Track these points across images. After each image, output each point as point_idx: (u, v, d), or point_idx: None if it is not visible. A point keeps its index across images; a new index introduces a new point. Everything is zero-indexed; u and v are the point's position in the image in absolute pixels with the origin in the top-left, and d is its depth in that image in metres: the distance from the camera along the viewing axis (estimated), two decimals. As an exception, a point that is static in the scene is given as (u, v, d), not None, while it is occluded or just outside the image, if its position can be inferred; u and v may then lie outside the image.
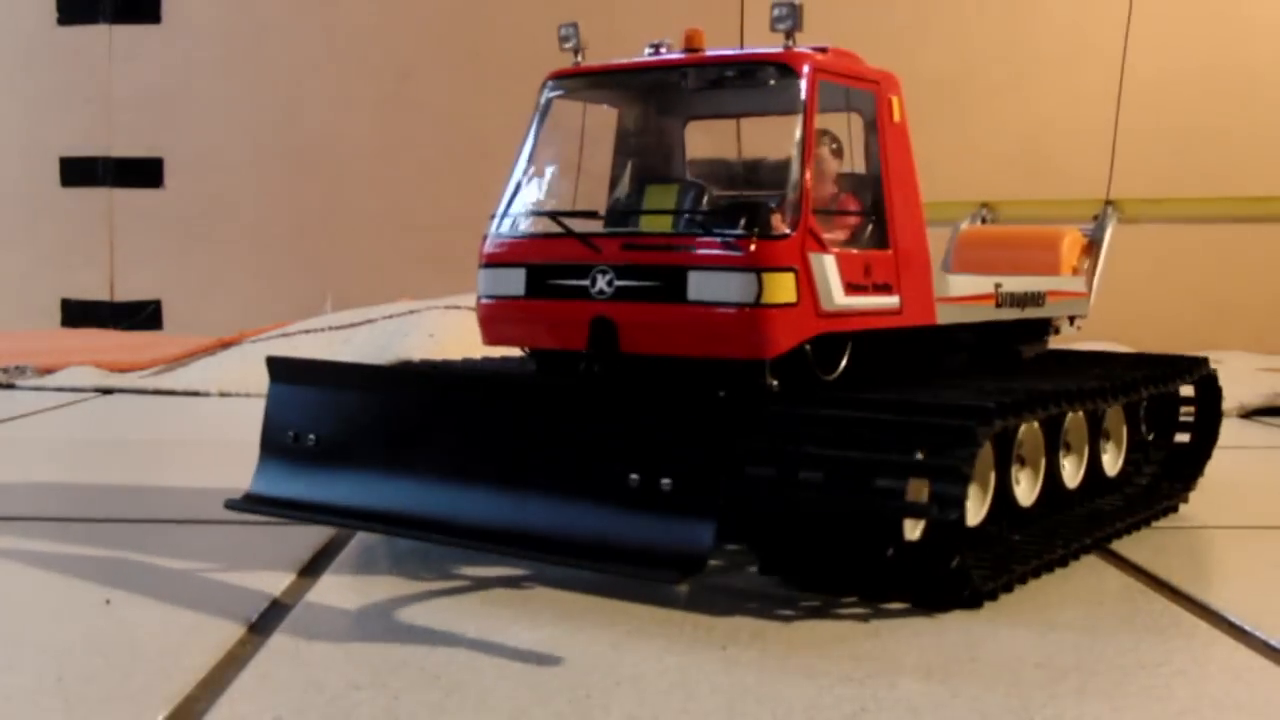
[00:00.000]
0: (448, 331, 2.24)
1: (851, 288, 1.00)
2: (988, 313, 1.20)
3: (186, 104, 3.21)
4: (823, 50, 1.05)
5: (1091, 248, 1.48)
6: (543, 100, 1.14)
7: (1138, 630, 0.91)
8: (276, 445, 1.04)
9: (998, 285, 1.21)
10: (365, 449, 0.99)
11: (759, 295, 0.93)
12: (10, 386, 2.28)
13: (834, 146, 1.11)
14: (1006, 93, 3.14)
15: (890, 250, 1.05)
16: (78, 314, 3.27)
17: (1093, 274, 1.46)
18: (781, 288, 0.94)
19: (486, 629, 0.87)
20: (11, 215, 3.28)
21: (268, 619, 0.89)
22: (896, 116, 1.08)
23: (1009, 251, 1.47)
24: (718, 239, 0.96)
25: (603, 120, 1.17)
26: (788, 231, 0.95)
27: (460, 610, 0.92)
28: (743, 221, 0.96)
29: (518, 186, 1.12)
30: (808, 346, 0.98)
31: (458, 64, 3.15)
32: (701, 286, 0.95)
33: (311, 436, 1.02)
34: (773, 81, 1.01)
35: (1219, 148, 2.88)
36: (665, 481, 0.84)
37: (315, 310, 2.83)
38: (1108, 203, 1.52)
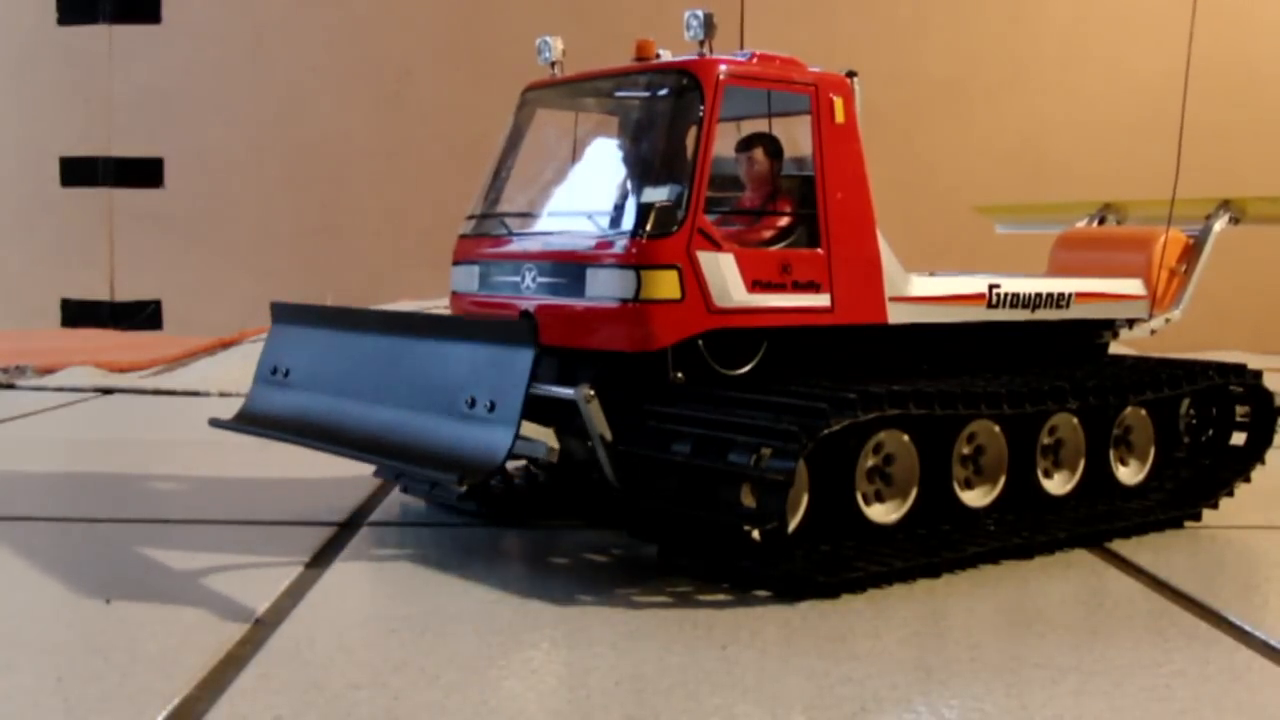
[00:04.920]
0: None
1: (759, 285, 1.03)
2: (974, 313, 1.19)
3: (186, 104, 3.21)
4: (747, 57, 1.07)
5: (1194, 249, 1.43)
6: (517, 109, 1.21)
7: (1138, 630, 0.91)
8: (262, 377, 1.16)
9: (992, 285, 1.20)
10: (303, 377, 1.13)
11: (638, 291, 0.98)
12: (10, 386, 2.28)
13: (772, 148, 1.13)
14: (1006, 93, 3.14)
15: (821, 249, 1.06)
16: (78, 314, 3.27)
17: (1188, 276, 1.42)
18: (663, 284, 0.99)
19: (486, 629, 0.88)
20: (11, 215, 3.28)
21: (268, 619, 0.89)
22: (840, 118, 1.09)
23: (1102, 253, 1.45)
24: (611, 238, 1.01)
25: (583, 127, 1.20)
26: (672, 230, 0.99)
27: (460, 610, 0.92)
28: (632, 221, 1.00)
29: (487, 189, 1.19)
30: (700, 341, 1.02)
31: (458, 64, 3.15)
32: (594, 283, 1.02)
33: (285, 370, 1.14)
34: (682, 88, 1.04)
35: (1218, 148, 2.88)
36: (486, 403, 0.92)
37: (315, 310, 2.83)
38: (1224, 202, 1.48)
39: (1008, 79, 3.14)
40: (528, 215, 1.16)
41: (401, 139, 3.18)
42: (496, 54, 3.04)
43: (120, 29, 3.21)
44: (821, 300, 1.07)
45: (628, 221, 1.01)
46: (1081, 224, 1.62)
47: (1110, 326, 1.36)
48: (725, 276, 1.01)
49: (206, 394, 2.23)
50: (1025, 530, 1.12)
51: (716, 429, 0.96)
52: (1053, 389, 1.12)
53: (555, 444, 1.06)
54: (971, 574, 1.05)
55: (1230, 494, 1.29)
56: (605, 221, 1.04)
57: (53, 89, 3.25)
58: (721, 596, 0.97)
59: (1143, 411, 1.26)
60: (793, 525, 1.00)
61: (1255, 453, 1.32)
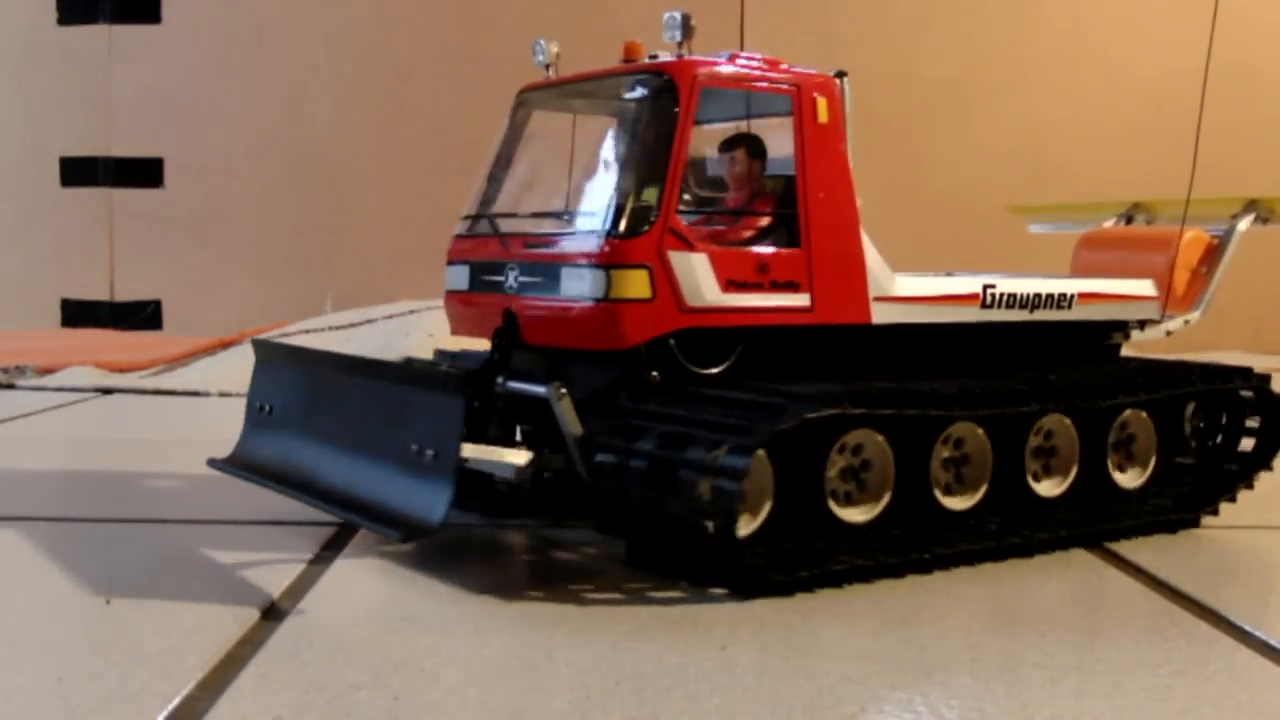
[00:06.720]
0: (447, 331, 2.24)
1: (733, 285, 1.03)
2: (968, 314, 1.18)
3: (186, 104, 3.21)
4: (728, 58, 1.08)
5: (1218, 249, 1.41)
6: (512, 111, 1.22)
7: (1138, 630, 0.91)
8: (251, 415, 1.21)
9: (987, 286, 1.19)
10: (284, 416, 1.17)
11: (608, 290, 1.00)
12: (10, 386, 2.28)
13: (754, 149, 1.14)
14: (1006, 93, 3.14)
15: (801, 249, 1.07)
16: (78, 314, 3.27)
17: (1209, 276, 1.39)
18: (633, 284, 1.00)
19: (486, 629, 0.88)
20: (11, 215, 3.28)
21: (268, 619, 0.89)
22: (823, 118, 1.09)
23: (1124, 253, 1.43)
24: (585, 238, 1.03)
25: (568, 129, 1.21)
26: (642, 231, 1.00)
27: (460, 610, 0.92)
28: (606, 222, 1.02)
29: (480, 190, 1.21)
30: (672, 340, 1.03)
31: (458, 64, 3.15)
32: (569, 282, 1.03)
33: (269, 407, 1.18)
34: (659, 90, 1.05)
35: (1217, 148, 2.88)
36: (429, 453, 0.95)
37: (315, 310, 2.83)
38: (1250, 201, 1.45)
39: (1008, 79, 3.14)
40: (513, 216, 1.18)
41: (401, 139, 3.18)
42: (496, 54, 3.04)
43: (120, 29, 3.21)
44: (801, 300, 1.07)
45: (602, 222, 1.03)
46: (1109, 224, 1.60)
47: (1121, 328, 1.34)
48: (698, 276, 1.02)
49: (206, 394, 2.23)
50: (1009, 532, 1.11)
51: (677, 424, 0.97)
52: (1017, 391, 1.11)
53: (524, 463, 1.07)
54: (972, 574, 1.05)
55: (1233, 499, 1.28)
56: (581, 222, 1.06)
57: (53, 89, 3.24)
58: (721, 596, 0.97)
59: (1144, 414, 1.25)
60: (757, 524, 1.00)
61: (1261, 460, 1.29)
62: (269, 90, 3.20)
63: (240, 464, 1.16)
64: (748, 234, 1.10)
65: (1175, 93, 3.03)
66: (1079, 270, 1.46)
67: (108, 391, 2.26)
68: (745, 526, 1.00)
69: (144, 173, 3.24)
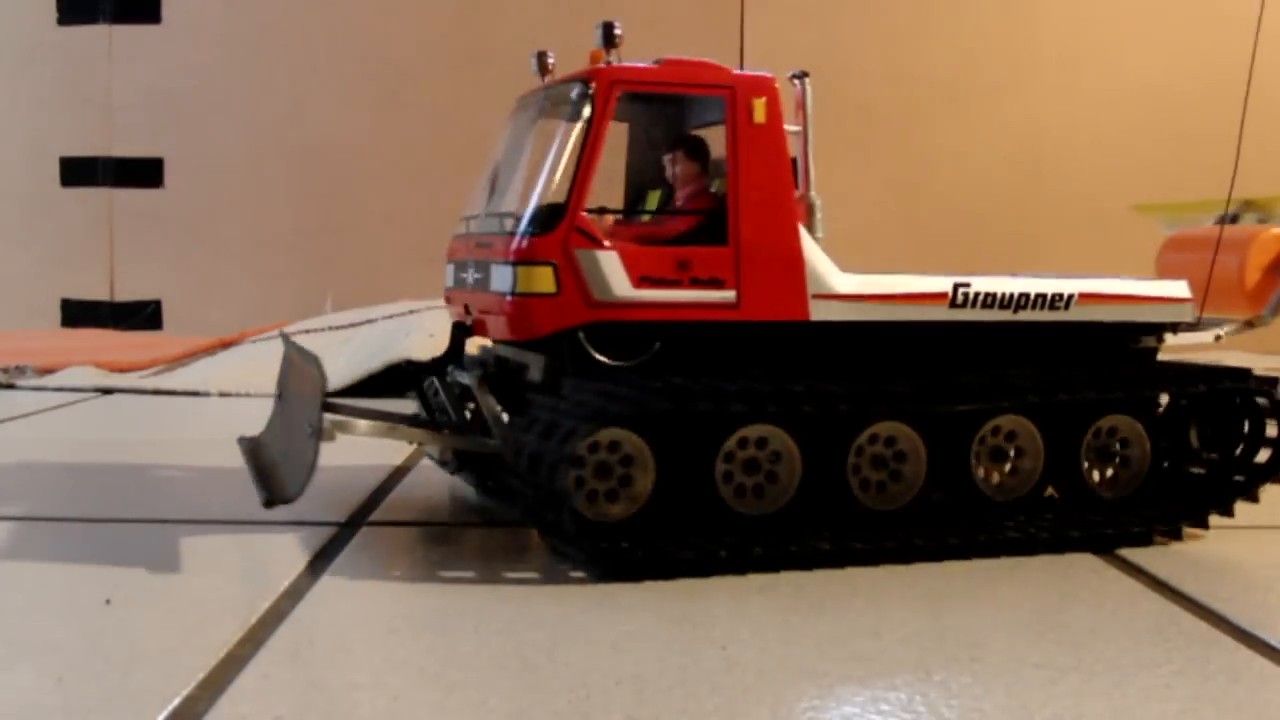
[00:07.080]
0: (448, 331, 2.24)
1: (647, 281, 1.07)
2: (933, 313, 1.15)
3: (186, 104, 3.21)
4: (655, 62, 1.11)
5: None
6: (510, 115, 1.28)
7: (1138, 630, 0.91)
8: (275, 401, 1.35)
9: (959, 284, 1.16)
10: (280, 402, 1.33)
11: (515, 285, 1.06)
12: (10, 386, 2.28)
13: (694, 150, 1.18)
14: (1006, 93, 3.15)
15: (728, 246, 1.09)
16: (78, 314, 3.27)
17: None
18: (538, 279, 1.06)
19: (486, 629, 0.88)
20: (11, 215, 3.28)
21: (268, 619, 0.89)
22: (759, 118, 1.11)
23: (1200, 253, 1.38)
24: (507, 237, 1.09)
25: (531, 134, 1.25)
26: (548, 230, 1.06)
27: (460, 610, 0.92)
28: (522, 222, 1.08)
29: (475, 191, 1.27)
30: (581, 334, 1.08)
31: (458, 64, 3.15)
32: (494, 279, 1.10)
33: (280, 393, 1.33)
34: (579, 96, 1.10)
35: (1218, 148, 2.88)
36: (308, 429, 1.05)
37: (315, 310, 2.83)
38: None
39: (1007, 79, 3.15)
40: (479, 217, 1.23)
41: (401, 139, 3.18)
42: (496, 55, 3.04)
43: (120, 29, 3.21)
44: (725, 296, 1.09)
45: (522, 222, 1.08)
46: (1209, 223, 1.56)
47: (1152, 331, 1.26)
48: (605, 272, 1.06)
49: (206, 394, 2.23)
50: (947, 533, 1.10)
51: (550, 412, 1.02)
52: (916, 390, 1.10)
53: (448, 446, 1.19)
54: (972, 574, 1.05)
55: (1230, 513, 1.23)
56: (509, 222, 1.11)
57: (53, 89, 3.25)
58: (721, 596, 0.97)
59: (1130, 419, 1.21)
60: (635, 508, 1.05)
61: (1268, 473, 1.22)
62: (269, 90, 3.21)
63: (250, 445, 1.31)
64: (678, 232, 1.13)
65: (1175, 93, 3.03)
66: (1164, 272, 1.42)
67: (108, 391, 2.26)
68: (622, 511, 1.05)
69: (144, 173, 3.24)
